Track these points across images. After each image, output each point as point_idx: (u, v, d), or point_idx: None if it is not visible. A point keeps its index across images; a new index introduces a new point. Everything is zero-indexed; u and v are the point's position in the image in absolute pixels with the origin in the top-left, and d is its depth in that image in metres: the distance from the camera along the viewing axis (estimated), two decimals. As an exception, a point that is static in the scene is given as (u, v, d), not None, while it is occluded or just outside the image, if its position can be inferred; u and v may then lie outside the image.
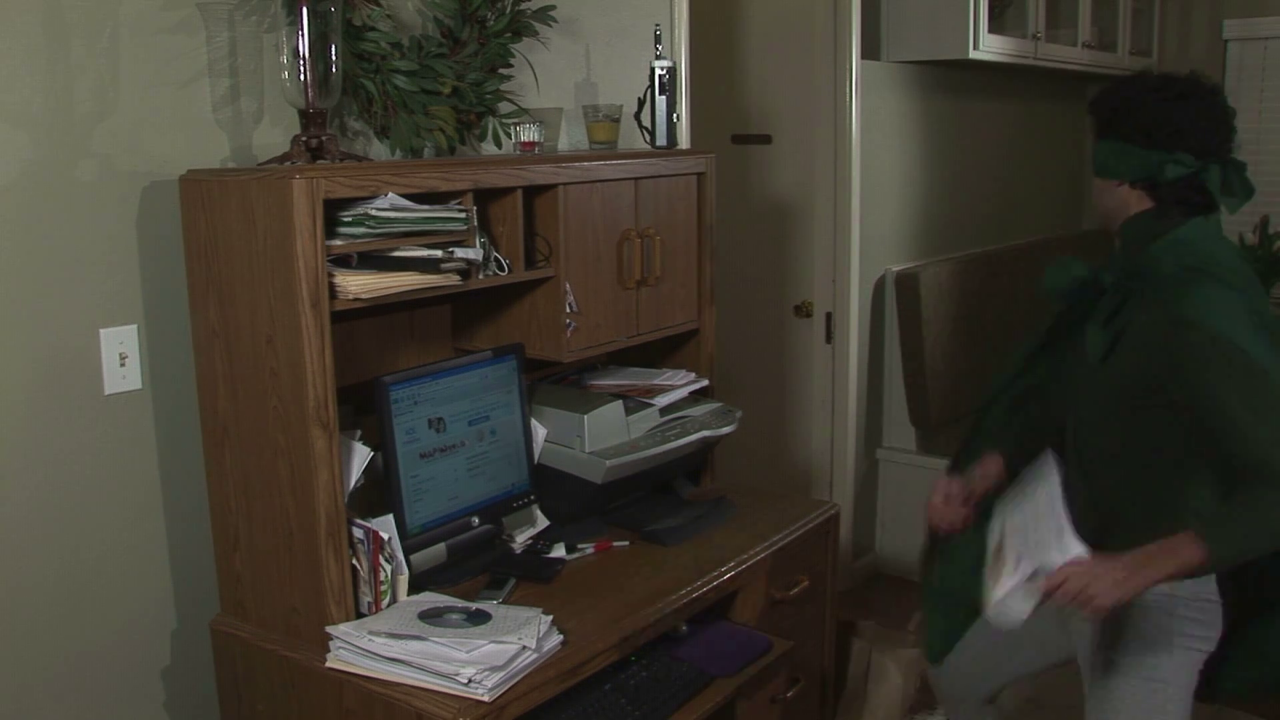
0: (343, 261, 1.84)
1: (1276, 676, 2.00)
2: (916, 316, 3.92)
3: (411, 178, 1.91)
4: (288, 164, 1.92)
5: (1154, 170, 1.88)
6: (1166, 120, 1.87)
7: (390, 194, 1.86)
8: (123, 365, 1.96)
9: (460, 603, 1.95)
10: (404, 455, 2.07)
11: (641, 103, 2.60)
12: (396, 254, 1.89)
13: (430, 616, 1.88)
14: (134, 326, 1.97)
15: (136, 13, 1.91)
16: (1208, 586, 1.93)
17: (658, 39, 2.58)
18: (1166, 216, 1.90)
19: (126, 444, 1.99)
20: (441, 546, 2.17)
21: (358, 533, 1.91)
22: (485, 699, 1.73)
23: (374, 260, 1.87)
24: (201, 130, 2.02)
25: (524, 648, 1.80)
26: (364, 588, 1.93)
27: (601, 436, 2.28)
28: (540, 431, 2.32)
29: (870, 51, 3.73)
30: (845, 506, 3.85)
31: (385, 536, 1.94)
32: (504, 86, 2.43)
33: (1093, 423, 1.98)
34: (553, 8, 2.46)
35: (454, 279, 1.98)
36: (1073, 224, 5.17)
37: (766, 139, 3.75)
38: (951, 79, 4.17)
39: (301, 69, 1.93)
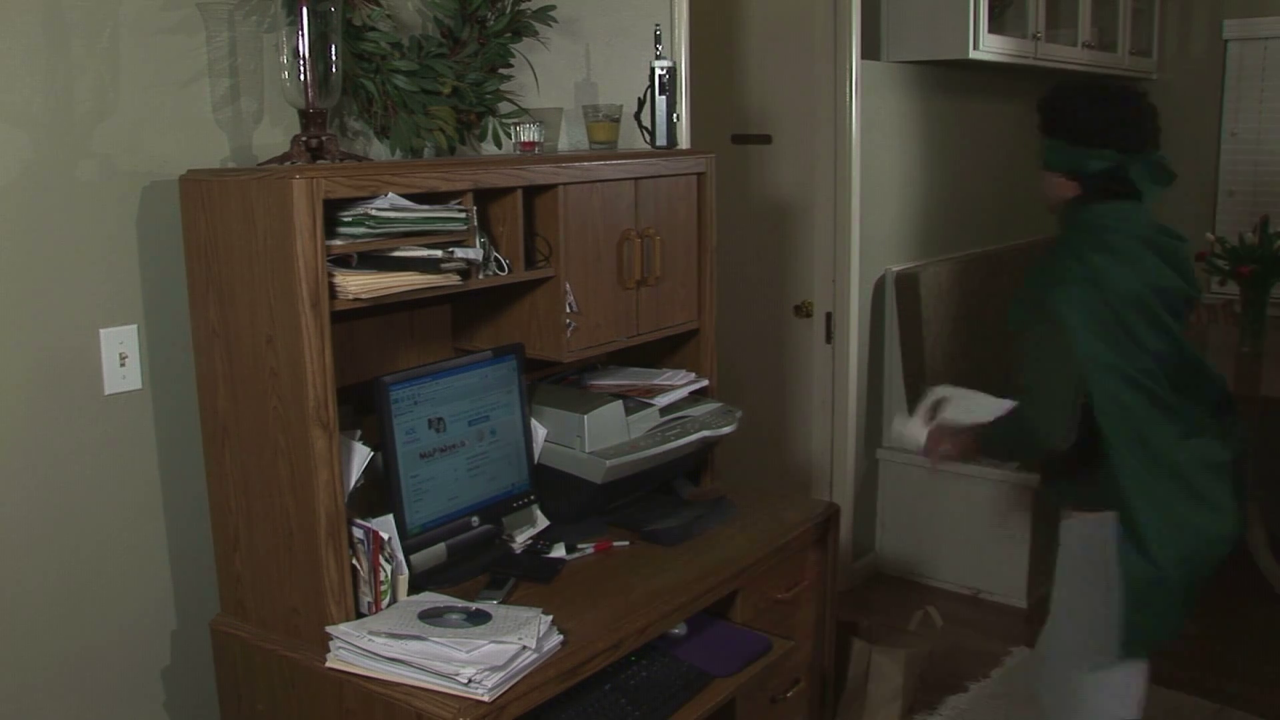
0: (343, 261, 1.84)
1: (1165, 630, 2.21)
2: (916, 316, 3.92)
3: (411, 178, 1.91)
4: (288, 164, 1.92)
5: (1081, 163, 2.20)
6: (1091, 121, 2.18)
7: (390, 194, 1.86)
8: (123, 365, 1.96)
9: (460, 603, 1.95)
10: (404, 455, 2.07)
11: (641, 103, 2.60)
12: (396, 254, 1.89)
13: (430, 616, 1.88)
14: (134, 326, 1.97)
15: (136, 13, 1.91)
16: (1104, 525, 2.16)
17: (658, 39, 2.58)
18: (1090, 202, 2.21)
19: (126, 444, 1.99)
20: (441, 546, 2.16)
21: (358, 533, 1.91)
22: (485, 699, 1.73)
23: (374, 260, 1.87)
24: (201, 130, 2.02)
25: (524, 648, 1.80)
26: (364, 588, 1.93)
27: (601, 436, 2.28)
28: (540, 431, 2.32)
29: (870, 51, 3.73)
30: (845, 506, 3.85)
31: (385, 536, 1.94)
32: (504, 86, 2.43)
33: None
34: (553, 8, 2.46)
35: (454, 279, 1.98)
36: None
37: (766, 139, 3.75)
38: (951, 79, 4.17)
39: (301, 69, 1.93)
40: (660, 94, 2.55)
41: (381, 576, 1.93)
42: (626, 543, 2.36)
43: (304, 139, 1.96)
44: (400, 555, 1.98)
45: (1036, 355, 2.15)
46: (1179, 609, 2.18)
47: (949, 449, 2.36)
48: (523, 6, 2.41)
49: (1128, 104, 2.20)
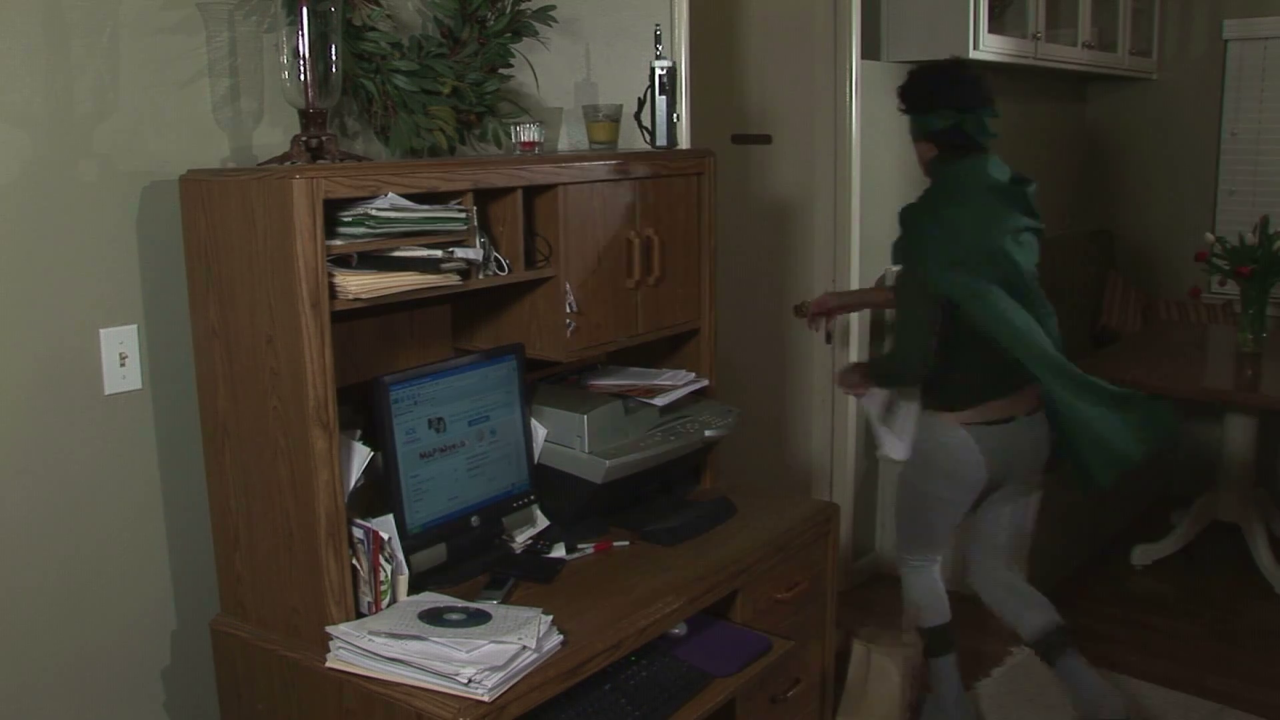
0: (343, 261, 1.84)
1: (1120, 456, 2.60)
2: (916, 316, 3.91)
3: (411, 178, 1.91)
4: (288, 164, 1.92)
5: (928, 124, 2.66)
6: (927, 87, 2.65)
7: (390, 194, 1.86)
8: (123, 365, 1.96)
9: (460, 603, 1.95)
10: (404, 455, 2.07)
11: (641, 103, 2.60)
12: (396, 254, 1.89)
13: (430, 616, 1.88)
14: (134, 326, 1.97)
15: (136, 13, 1.91)
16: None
17: (658, 39, 2.58)
18: (946, 160, 2.66)
19: (126, 444, 1.99)
20: (441, 546, 2.17)
21: (358, 533, 1.91)
22: (485, 699, 1.73)
23: (374, 260, 1.87)
24: (201, 130, 2.02)
25: (524, 648, 1.80)
26: (364, 588, 1.93)
27: (601, 436, 2.28)
28: (540, 431, 2.32)
29: (870, 51, 3.73)
30: (845, 506, 3.85)
31: (385, 536, 1.94)
32: (504, 86, 2.43)
33: None
34: (553, 8, 2.46)
35: (454, 279, 1.98)
36: (1073, 223, 5.16)
37: (766, 139, 3.75)
38: (951, 79, 4.16)
39: (301, 69, 1.93)
40: (660, 94, 2.55)
41: (381, 576, 1.93)
42: (626, 543, 2.36)
43: (304, 139, 1.96)
44: (400, 555, 1.98)
45: (901, 295, 2.65)
46: (1128, 435, 2.60)
47: (854, 378, 2.96)
48: (523, 6, 2.41)
49: (956, 71, 2.68)
